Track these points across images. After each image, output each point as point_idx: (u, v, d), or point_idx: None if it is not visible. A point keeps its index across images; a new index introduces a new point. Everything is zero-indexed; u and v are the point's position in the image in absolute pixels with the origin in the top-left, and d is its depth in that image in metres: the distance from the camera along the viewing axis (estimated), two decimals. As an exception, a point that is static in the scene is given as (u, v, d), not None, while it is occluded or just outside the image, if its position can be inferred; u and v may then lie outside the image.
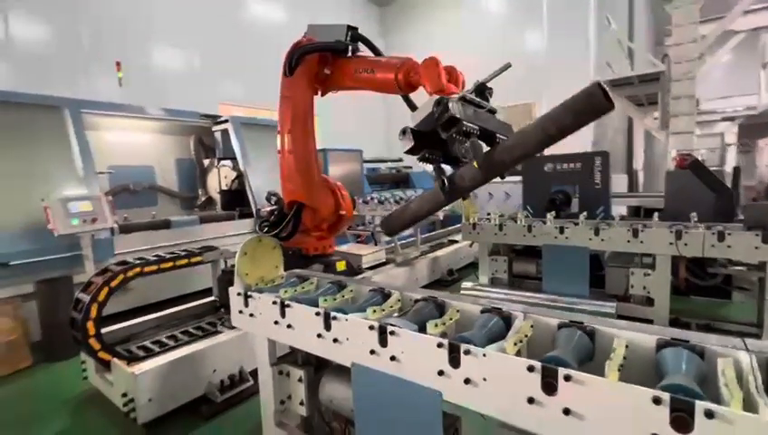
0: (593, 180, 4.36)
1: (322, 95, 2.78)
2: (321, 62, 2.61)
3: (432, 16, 12.95)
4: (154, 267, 2.98)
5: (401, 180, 9.79)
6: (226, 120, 5.95)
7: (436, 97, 1.68)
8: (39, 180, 3.95)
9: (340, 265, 3.29)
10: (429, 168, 2.05)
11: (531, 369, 1.13)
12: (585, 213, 3.82)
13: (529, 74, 11.02)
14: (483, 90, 1.89)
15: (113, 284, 2.71)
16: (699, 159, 4.30)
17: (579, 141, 6.20)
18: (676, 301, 3.92)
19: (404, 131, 1.81)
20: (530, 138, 1.64)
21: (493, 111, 1.87)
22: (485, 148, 1.75)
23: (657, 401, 0.95)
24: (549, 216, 3.92)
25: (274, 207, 2.77)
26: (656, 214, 3.59)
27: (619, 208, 5.74)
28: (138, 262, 2.94)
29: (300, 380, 1.97)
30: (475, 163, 1.76)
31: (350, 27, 2.55)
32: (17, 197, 3.78)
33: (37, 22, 6.40)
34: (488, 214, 4.47)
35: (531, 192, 4.83)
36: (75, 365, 3.22)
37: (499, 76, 1.90)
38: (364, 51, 2.59)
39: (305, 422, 2.08)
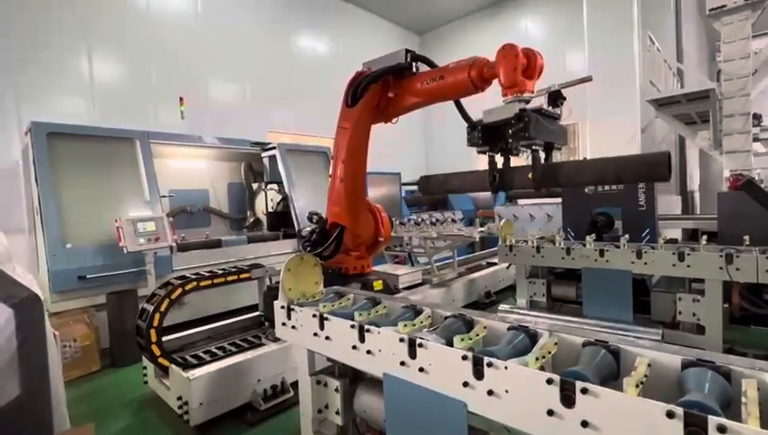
0: (637, 202, 4.23)
1: (386, 121, 2.85)
2: (384, 89, 2.70)
3: (471, 41, 13.19)
4: (208, 282, 3.27)
5: (440, 202, 9.87)
6: (274, 147, 6.39)
7: (519, 109, 1.79)
8: (113, 203, 4.47)
9: (378, 285, 3.42)
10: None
11: (550, 381, 1.19)
12: (627, 235, 3.72)
13: (571, 95, 10.86)
14: (556, 97, 2.02)
15: (174, 296, 3.00)
16: (755, 178, 4.06)
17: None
18: (733, 330, 3.67)
19: (474, 126, 1.92)
20: (587, 173, 1.74)
21: (558, 118, 2.00)
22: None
23: (670, 415, 0.98)
24: (588, 238, 3.85)
25: (315, 226, 2.97)
26: (704, 237, 3.43)
27: (672, 232, 5.45)
28: (195, 277, 3.24)
29: (336, 390, 2.09)
30: (530, 174, 1.88)
31: (407, 50, 2.65)
32: (95, 217, 4.29)
33: (115, 62, 7.29)
34: (527, 236, 4.45)
35: (571, 214, 4.75)
36: (136, 371, 3.56)
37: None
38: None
39: (341, 432, 2.18)
